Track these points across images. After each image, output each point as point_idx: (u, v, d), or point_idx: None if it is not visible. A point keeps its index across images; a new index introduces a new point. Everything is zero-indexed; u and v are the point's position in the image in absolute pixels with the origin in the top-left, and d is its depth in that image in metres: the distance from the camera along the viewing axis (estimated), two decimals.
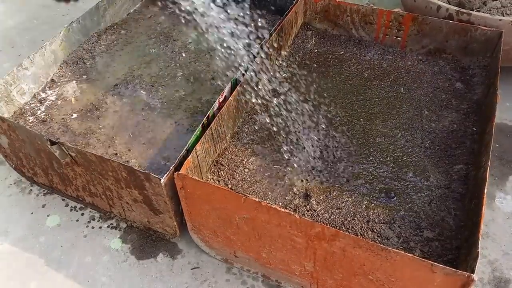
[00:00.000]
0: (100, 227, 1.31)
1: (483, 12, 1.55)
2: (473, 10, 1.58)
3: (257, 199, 0.96)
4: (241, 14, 1.33)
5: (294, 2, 1.68)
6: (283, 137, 1.36)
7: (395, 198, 1.21)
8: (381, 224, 1.15)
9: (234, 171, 1.28)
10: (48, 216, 1.34)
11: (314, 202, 1.20)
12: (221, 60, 1.41)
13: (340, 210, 1.18)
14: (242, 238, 1.09)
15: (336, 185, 1.24)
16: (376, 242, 0.90)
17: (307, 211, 1.18)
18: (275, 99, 1.41)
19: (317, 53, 1.68)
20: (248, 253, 1.12)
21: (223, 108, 1.27)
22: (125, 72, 1.64)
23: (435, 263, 0.85)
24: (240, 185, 1.25)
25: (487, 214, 1.29)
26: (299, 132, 1.38)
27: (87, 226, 1.31)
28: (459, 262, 1.06)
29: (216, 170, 1.28)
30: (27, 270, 1.23)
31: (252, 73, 1.30)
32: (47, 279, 1.20)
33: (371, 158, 1.31)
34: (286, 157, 1.29)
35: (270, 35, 1.50)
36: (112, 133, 1.41)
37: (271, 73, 1.26)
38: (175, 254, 1.24)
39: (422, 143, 1.34)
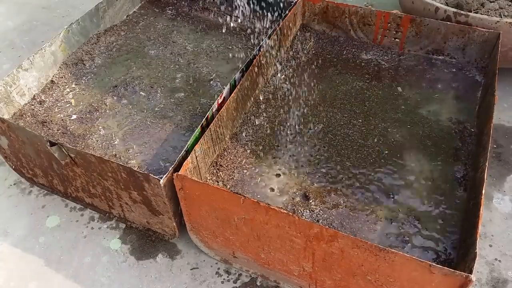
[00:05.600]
0: (100, 228, 1.31)
1: (481, 14, 1.56)
2: (471, 11, 1.58)
3: (255, 200, 0.97)
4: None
5: (292, 3, 1.69)
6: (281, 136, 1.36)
7: (393, 198, 1.21)
8: (379, 225, 1.16)
9: (233, 171, 1.29)
10: (48, 216, 1.34)
11: (312, 203, 1.21)
12: None
13: (338, 211, 1.19)
14: (241, 239, 1.09)
15: (335, 186, 1.25)
16: (375, 243, 0.90)
17: (306, 211, 1.19)
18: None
19: (315, 54, 1.69)
20: (247, 254, 1.13)
21: (222, 109, 1.27)
22: (124, 74, 1.64)
23: (433, 264, 0.86)
24: (239, 185, 1.26)
25: (485, 214, 1.29)
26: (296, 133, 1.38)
27: (87, 227, 1.32)
28: (457, 263, 1.06)
29: (215, 170, 1.28)
30: (27, 270, 1.23)
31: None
32: (47, 279, 1.21)
33: (369, 159, 1.31)
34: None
35: (269, 36, 1.50)
36: (111, 134, 1.42)
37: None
38: (174, 254, 1.25)
39: (420, 144, 1.35)
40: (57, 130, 1.43)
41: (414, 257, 0.87)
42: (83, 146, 1.37)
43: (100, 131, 1.43)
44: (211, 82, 1.60)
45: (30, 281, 1.21)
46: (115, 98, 1.55)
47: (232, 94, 1.32)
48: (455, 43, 1.57)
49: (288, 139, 1.38)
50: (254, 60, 1.41)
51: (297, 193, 1.23)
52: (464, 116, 1.42)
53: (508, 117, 1.58)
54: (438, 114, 1.43)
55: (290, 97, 1.52)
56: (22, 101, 1.48)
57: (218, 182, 1.26)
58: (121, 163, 1.09)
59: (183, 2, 1.99)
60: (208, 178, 1.27)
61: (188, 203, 1.10)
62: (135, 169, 1.08)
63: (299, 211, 1.19)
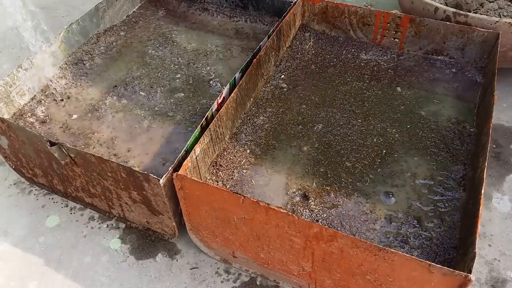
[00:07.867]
0: (100, 228, 1.31)
1: (480, 14, 1.56)
2: (470, 11, 1.59)
3: (255, 200, 0.97)
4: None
5: (292, 3, 1.69)
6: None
7: (393, 199, 1.21)
8: (379, 224, 1.16)
9: (233, 171, 1.29)
10: (47, 216, 1.35)
11: (312, 203, 1.21)
12: None
13: (338, 211, 1.19)
14: (240, 239, 1.09)
15: (334, 186, 1.25)
16: (374, 243, 0.91)
17: (305, 211, 1.19)
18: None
19: (315, 54, 1.69)
20: (247, 254, 1.13)
21: (221, 109, 1.28)
22: (124, 74, 1.64)
23: (433, 263, 0.86)
24: (238, 185, 1.26)
25: (484, 214, 1.30)
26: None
27: (87, 227, 1.32)
28: (456, 262, 1.06)
29: (214, 170, 1.29)
30: (27, 270, 1.23)
31: None
32: (47, 279, 1.21)
33: (368, 159, 1.31)
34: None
35: (269, 36, 1.50)
36: (111, 134, 1.42)
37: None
38: (174, 254, 1.25)
39: (420, 144, 1.35)
40: (57, 130, 1.43)
41: (413, 257, 0.87)
42: (83, 146, 1.38)
43: (99, 131, 1.43)
44: (210, 82, 1.60)
45: (30, 281, 1.21)
46: (115, 98, 1.55)
47: (232, 94, 1.32)
48: (454, 43, 1.57)
49: (287, 139, 1.38)
50: (254, 60, 1.42)
51: (296, 193, 1.24)
52: (463, 116, 1.43)
53: (507, 117, 1.58)
54: (438, 114, 1.44)
55: (289, 97, 1.52)
56: (22, 101, 1.48)
57: (217, 182, 1.26)
58: (121, 163, 1.10)
59: (183, 3, 1.99)
60: (208, 178, 1.27)
61: (187, 203, 1.10)
62: (135, 169, 1.08)
63: (299, 211, 1.19)
